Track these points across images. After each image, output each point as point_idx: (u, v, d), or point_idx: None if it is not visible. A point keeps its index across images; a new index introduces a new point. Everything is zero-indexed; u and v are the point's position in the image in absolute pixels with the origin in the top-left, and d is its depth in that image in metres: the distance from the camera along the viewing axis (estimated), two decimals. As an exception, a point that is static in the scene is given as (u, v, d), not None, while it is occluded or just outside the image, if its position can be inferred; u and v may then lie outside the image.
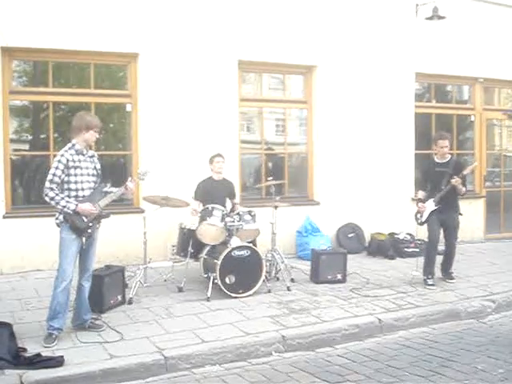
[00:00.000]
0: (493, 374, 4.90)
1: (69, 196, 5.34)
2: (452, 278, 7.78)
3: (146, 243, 7.23)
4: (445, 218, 7.53)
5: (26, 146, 8.85)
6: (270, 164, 10.17)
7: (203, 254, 7.26)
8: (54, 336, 5.27)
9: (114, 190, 5.67)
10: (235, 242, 7.02)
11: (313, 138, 10.06)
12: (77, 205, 5.28)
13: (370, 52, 10.13)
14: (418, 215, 7.67)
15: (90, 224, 5.41)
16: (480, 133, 11.71)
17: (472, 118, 11.75)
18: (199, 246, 7.30)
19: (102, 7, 8.26)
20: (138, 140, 8.76)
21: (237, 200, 8.22)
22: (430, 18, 10.05)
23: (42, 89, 8.41)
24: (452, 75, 11.11)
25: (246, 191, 9.74)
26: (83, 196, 5.41)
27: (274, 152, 10.31)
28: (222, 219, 7.12)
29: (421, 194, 7.80)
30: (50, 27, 7.99)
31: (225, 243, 7.12)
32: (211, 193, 7.71)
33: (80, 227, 5.32)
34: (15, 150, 8.48)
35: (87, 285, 5.67)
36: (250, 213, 7.37)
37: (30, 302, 6.59)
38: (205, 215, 7.17)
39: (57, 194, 5.26)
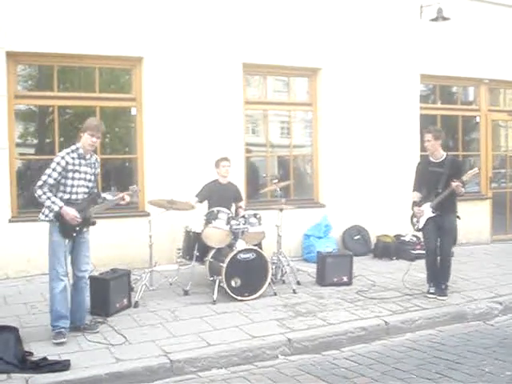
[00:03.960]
0: (500, 376, 4.88)
1: (61, 198, 5.32)
2: (444, 295, 7.02)
3: (151, 246, 7.23)
4: (442, 222, 6.99)
5: (32, 150, 8.88)
6: (275, 166, 10.17)
7: (209, 257, 7.25)
8: (63, 332, 5.29)
9: (108, 197, 5.67)
10: (241, 244, 7.01)
11: (318, 141, 10.06)
12: (61, 207, 5.24)
13: (375, 54, 10.12)
14: (415, 220, 7.22)
15: (77, 228, 5.38)
16: (485, 134, 11.67)
17: (477, 119, 11.72)
18: (205, 249, 7.29)
19: (107, 11, 8.29)
20: (144, 143, 8.77)
21: (242, 204, 8.19)
22: (435, 20, 10.03)
23: (47, 93, 8.43)
24: (457, 76, 11.08)
25: (252, 194, 9.72)
26: (76, 199, 5.40)
27: (280, 154, 10.32)
28: (228, 222, 7.12)
29: (416, 196, 7.21)
30: (54, 31, 8.02)
31: (230, 246, 7.11)
32: (217, 196, 7.72)
33: (68, 228, 5.30)
34: (21, 154, 8.50)
35: (84, 288, 5.66)
36: (255, 215, 7.36)
37: (36, 305, 6.60)
38: (210, 218, 7.17)
39: (44, 193, 5.24)
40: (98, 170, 5.72)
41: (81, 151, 5.44)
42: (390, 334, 6.05)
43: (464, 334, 6.10)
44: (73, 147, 5.45)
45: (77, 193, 5.41)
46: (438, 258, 7.12)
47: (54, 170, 5.29)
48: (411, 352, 5.54)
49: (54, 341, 5.23)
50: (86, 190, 5.51)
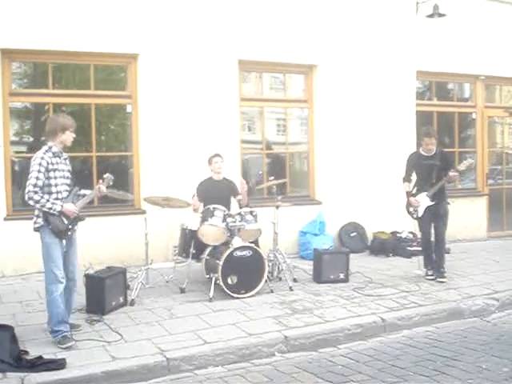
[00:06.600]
0: (497, 372, 4.87)
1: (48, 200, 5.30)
2: (443, 277, 7.62)
3: (147, 244, 7.21)
4: (436, 209, 7.62)
5: (27, 148, 8.84)
6: (271, 164, 10.15)
7: (205, 255, 7.23)
8: (68, 336, 5.24)
9: (87, 192, 5.63)
10: (237, 242, 6.99)
11: (314, 138, 10.04)
12: (62, 206, 5.26)
13: (371, 50, 10.10)
14: (411, 209, 7.75)
15: (70, 226, 5.38)
16: (482, 130, 11.68)
17: (473, 116, 11.73)
18: (201, 246, 7.27)
19: (102, 8, 8.25)
20: (139, 141, 8.74)
21: (240, 196, 8.14)
22: (431, 16, 10.04)
23: (42, 90, 8.39)
24: (453, 73, 11.08)
25: (248, 191, 9.68)
26: (62, 198, 5.37)
27: (276, 151, 10.30)
28: (224, 219, 7.10)
29: (407, 186, 7.86)
30: (49, 28, 7.98)
31: (227, 243, 7.10)
32: (213, 193, 7.67)
33: (62, 229, 5.29)
34: (16, 152, 8.47)
35: (74, 287, 5.65)
36: (251, 213, 7.33)
37: (32, 304, 6.58)
38: (206, 216, 7.14)
39: (41, 197, 5.20)
40: (70, 167, 5.63)
41: (55, 149, 5.37)
42: (386, 330, 6.05)
43: (461, 330, 6.10)
44: (45, 147, 5.36)
45: (61, 191, 5.37)
46: (433, 241, 7.76)
47: (38, 171, 5.22)
48: (408, 349, 5.53)
49: (62, 346, 5.15)
50: (68, 188, 5.49)
